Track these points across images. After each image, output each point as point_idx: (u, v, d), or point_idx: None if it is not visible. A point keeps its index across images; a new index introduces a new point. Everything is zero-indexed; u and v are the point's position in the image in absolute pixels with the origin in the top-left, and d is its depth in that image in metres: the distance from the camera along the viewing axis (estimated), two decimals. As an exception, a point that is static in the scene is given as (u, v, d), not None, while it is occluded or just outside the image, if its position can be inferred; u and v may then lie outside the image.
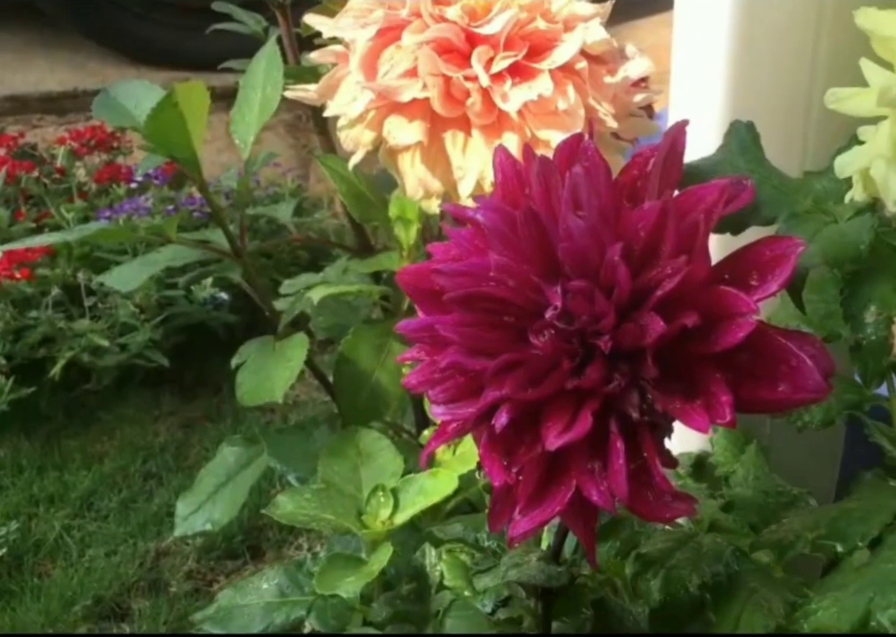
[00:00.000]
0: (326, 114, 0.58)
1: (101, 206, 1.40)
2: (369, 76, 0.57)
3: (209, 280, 1.23)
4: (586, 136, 0.38)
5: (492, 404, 0.35)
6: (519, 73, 0.55)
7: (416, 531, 0.62)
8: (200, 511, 0.75)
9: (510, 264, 0.36)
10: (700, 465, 0.56)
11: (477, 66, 0.53)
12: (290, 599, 0.61)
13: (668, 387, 0.34)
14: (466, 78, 0.54)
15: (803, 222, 0.37)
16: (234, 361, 0.69)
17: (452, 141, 0.56)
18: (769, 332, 0.35)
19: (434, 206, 0.60)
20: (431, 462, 0.61)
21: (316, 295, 0.64)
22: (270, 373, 0.65)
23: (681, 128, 0.38)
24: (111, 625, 0.96)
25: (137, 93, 0.67)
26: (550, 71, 0.55)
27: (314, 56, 0.60)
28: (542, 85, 0.54)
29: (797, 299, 0.36)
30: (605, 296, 0.34)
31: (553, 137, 0.54)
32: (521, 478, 0.36)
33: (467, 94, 0.54)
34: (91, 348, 1.17)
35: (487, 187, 0.56)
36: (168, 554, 1.05)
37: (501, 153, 0.40)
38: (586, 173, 0.36)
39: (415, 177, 0.58)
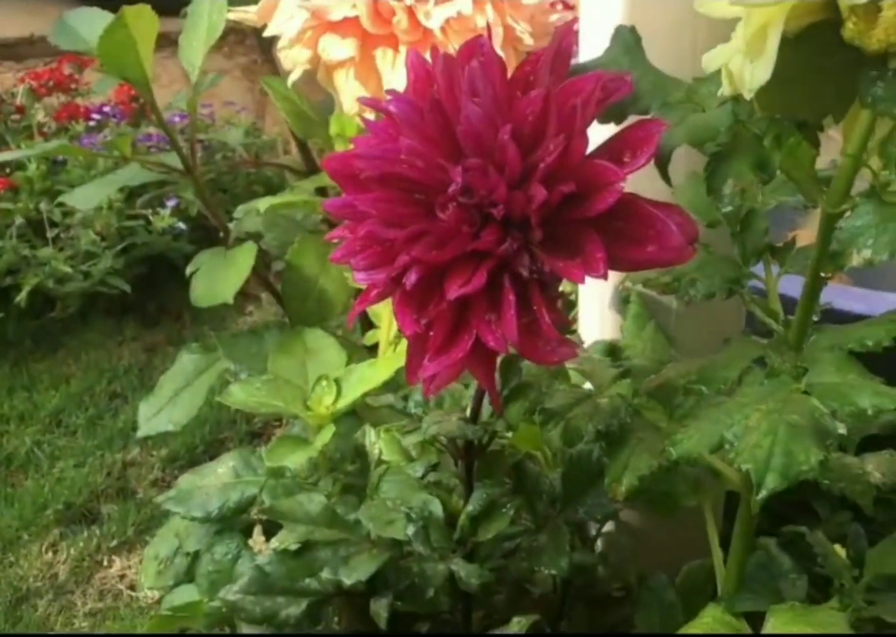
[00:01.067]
0: (266, 34, 0.63)
1: (61, 142, 1.43)
2: (303, -2, 0.62)
3: (167, 210, 1.27)
4: (484, 37, 0.44)
5: (403, 267, 0.41)
6: (442, -9, 0.61)
7: (359, 418, 0.68)
8: (162, 413, 0.81)
9: (418, 147, 0.41)
10: (611, 350, 0.62)
11: (402, -12, 0.59)
12: (244, 480, 0.67)
13: (553, 248, 0.40)
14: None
15: (673, 110, 0.43)
16: (188, 269, 0.74)
17: (382, 57, 0.61)
18: (640, 202, 0.41)
19: (371, 117, 0.65)
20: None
21: (262, 205, 0.69)
22: (221, 277, 0.70)
23: (567, 28, 0.44)
24: (82, 527, 1.02)
25: (92, 19, 0.71)
26: (469, -10, 0.60)
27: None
28: (461, 3, 0.59)
29: (664, 173, 0.42)
30: (498, 172, 0.40)
31: (474, 51, 0.60)
32: (430, 331, 0.42)
33: (394, 12, 0.59)
34: (55, 275, 1.22)
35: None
36: (134, 464, 1.11)
37: (413, 55, 0.45)
38: (482, 66, 0.41)
39: (350, 92, 0.63)
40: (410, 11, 0.59)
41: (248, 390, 0.65)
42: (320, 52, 0.61)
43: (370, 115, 0.64)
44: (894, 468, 0.47)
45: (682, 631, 0.51)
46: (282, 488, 0.65)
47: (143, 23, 0.65)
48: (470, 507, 0.53)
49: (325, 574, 0.55)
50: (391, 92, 0.43)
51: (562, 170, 0.40)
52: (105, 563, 0.99)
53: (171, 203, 1.27)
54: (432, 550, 0.52)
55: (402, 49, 0.60)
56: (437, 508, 0.54)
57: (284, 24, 0.62)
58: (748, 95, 0.41)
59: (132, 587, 0.95)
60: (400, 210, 0.42)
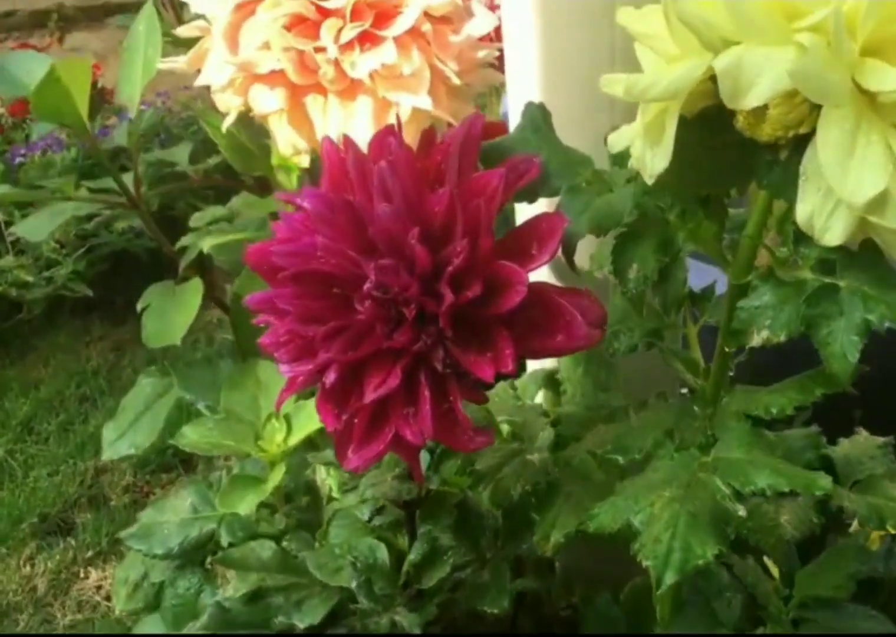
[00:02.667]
0: (196, 84, 0.64)
1: (18, 140, 1.43)
2: (232, 48, 0.62)
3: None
4: (395, 127, 0.45)
5: (323, 364, 0.43)
6: (368, 39, 0.61)
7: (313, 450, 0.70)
8: (124, 437, 0.83)
9: (332, 245, 0.43)
10: (550, 380, 0.64)
11: (326, 39, 0.59)
12: (202, 515, 0.69)
13: (465, 342, 0.42)
14: (317, 50, 0.60)
15: (579, 194, 0.44)
16: (138, 305, 0.75)
17: (313, 104, 0.62)
18: (549, 293, 0.42)
19: (305, 161, 0.66)
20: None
21: (206, 245, 0.70)
22: (170, 317, 0.72)
23: (476, 116, 0.45)
24: (58, 539, 1.05)
25: (28, 64, 0.71)
26: (395, 37, 0.60)
27: (180, 31, 0.65)
28: (386, 53, 0.60)
29: (570, 262, 0.44)
30: (409, 271, 0.42)
31: (402, 99, 0.60)
32: (353, 422, 0.43)
33: (319, 64, 0.60)
34: (18, 283, 1.23)
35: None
36: (106, 471, 1.13)
37: (327, 143, 0.46)
38: (391, 166, 0.42)
39: (284, 137, 0.64)
40: (337, 63, 0.60)
41: (200, 431, 0.67)
42: (250, 102, 0.62)
43: (305, 159, 0.66)
44: (805, 518, 0.49)
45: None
46: (238, 523, 0.67)
47: (77, 75, 0.65)
48: (412, 556, 0.55)
49: (280, 619, 0.57)
50: (306, 188, 0.45)
51: (469, 270, 0.41)
52: (82, 574, 1.02)
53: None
54: (376, 602, 0.54)
55: (331, 97, 0.61)
56: (382, 554, 0.57)
57: (214, 75, 0.62)
58: (650, 181, 0.42)
59: (108, 598, 0.98)
60: (317, 305, 0.43)
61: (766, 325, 0.42)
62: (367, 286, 0.42)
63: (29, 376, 1.26)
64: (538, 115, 0.47)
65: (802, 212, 0.39)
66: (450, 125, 0.66)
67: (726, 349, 0.45)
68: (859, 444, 0.54)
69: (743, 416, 0.45)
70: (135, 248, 1.34)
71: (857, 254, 0.43)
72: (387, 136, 0.45)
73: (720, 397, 0.48)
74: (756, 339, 0.43)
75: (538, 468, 0.51)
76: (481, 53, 0.64)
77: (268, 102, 0.61)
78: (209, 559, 0.64)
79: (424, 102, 0.60)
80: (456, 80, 0.62)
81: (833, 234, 0.39)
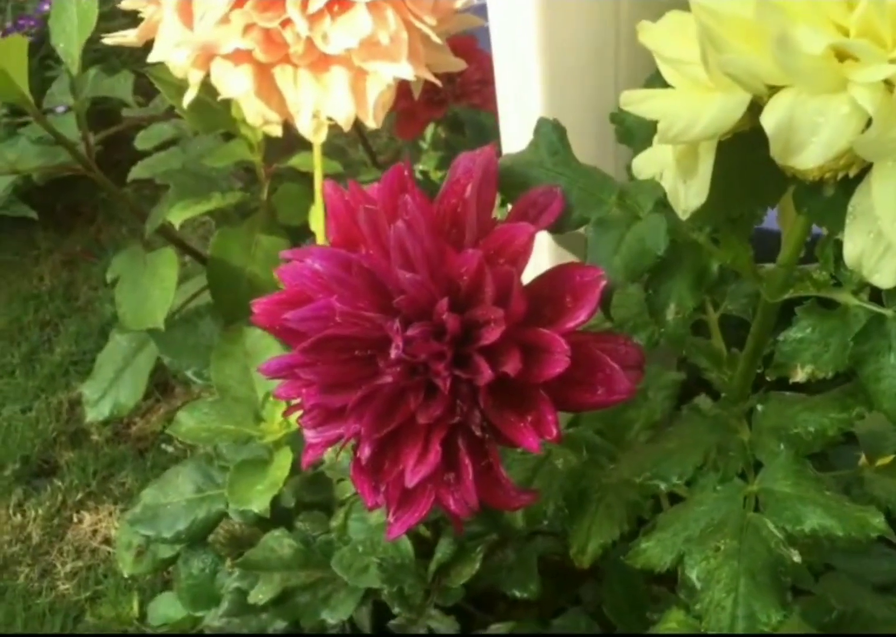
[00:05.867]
0: (150, 60, 0.58)
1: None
2: (186, 21, 0.57)
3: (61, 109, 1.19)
4: (405, 172, 0.41)
5: (354, 435, 0.41)
6: (336, 2, 0.56)
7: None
8: (107, 397, 0.80)
9: (351, 309, 0.40)
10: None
11: (293, 12, 0.54)
12: (208, 494, 0.68)
13: (503, 407, 0.40)
14: (283, 23, 0.54)
15: (609, 228, 0.41)
16: (108, 276, 0.71)
17: (282, 76, 0.57)
18: (588, 344, 0.40)
19: (276, 131, 0.61)
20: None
21: (175, 218, 0.66)
22: (146, 292, 0.68)
23: (489, 154, 0.42)
24: (44, 482, 1.03)
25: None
26: (367, 2, 0.55)
27: (124, 4, 0.59)
28: (360, 23, 0.54)
29: (606, 311, 0.41)
30: (438, 338, 0.39)
31: (380, 69, 0.56)
32: (389, 489, 0.42)
33: (289, 40, 0.54)
34: (-46, 207, 1.16)
35: (324, 120, 0.58)
36: (81, 403, 1.10)
37: (329, 188, 0.42)
38: (409, 227, 0.39)
39: (252, 109, 0.59)
40: (307, 38, 0.54)
41: (196, 416, 0.65)
42: (214, 82, 0.57)
43: (276, 129, 0.61)
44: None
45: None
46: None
47: (13, 54, 0.59)
48: (439, 555, 0.55)
49: (307, 619, 0.58)
50: (315, 250, 0.41)
51: (505, 339, 0.39)
52: (74, 518, 1.01)
53: (60, 109, 1.19)
54: (409, 610, 0.54)
55: (302, 70, 0.56)
56: (408, 551, 0.56)
57: (170, 51, 0.57)
58: (683, 216, 0.40)
59: (106, 541, 0.98)
60: (341, 370, 0.41)
61: (811, 360, 0.41)
62: (394, 352, 0.40)
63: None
64: (553, 135, 0.43)
65: (851, 252, 0.37)
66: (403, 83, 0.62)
67: (767, 378, 0.43)
68: (881, 418, 0.54)
69: (783, 438, 0.44)
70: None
71: (904, 277, 0.41)
72: (398, 185, 0.41)
73: (749, 399, 0.47)
74: (800, 375, 0.42)
75: (566, 474, 0.50)
76: (458, 3, 0.59)
77: (234, 82, 0.56)
78: (227, 564, 0.64)
79: (405, 71, 0.56)
80: (436, 39, 0.57)
81: (884, 277, 0.37)
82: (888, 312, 0.40)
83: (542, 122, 0.43)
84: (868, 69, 0.33)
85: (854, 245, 0.37)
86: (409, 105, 0.71)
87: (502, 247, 0.40)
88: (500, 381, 0.39)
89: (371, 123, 0.57)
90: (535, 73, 0.50)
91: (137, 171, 0.83)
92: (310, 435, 0.43)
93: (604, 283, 0.39)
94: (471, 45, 0.77)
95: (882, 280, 0.37)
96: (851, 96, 0.33)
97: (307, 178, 0.74)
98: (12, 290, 1.23)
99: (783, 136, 0.34)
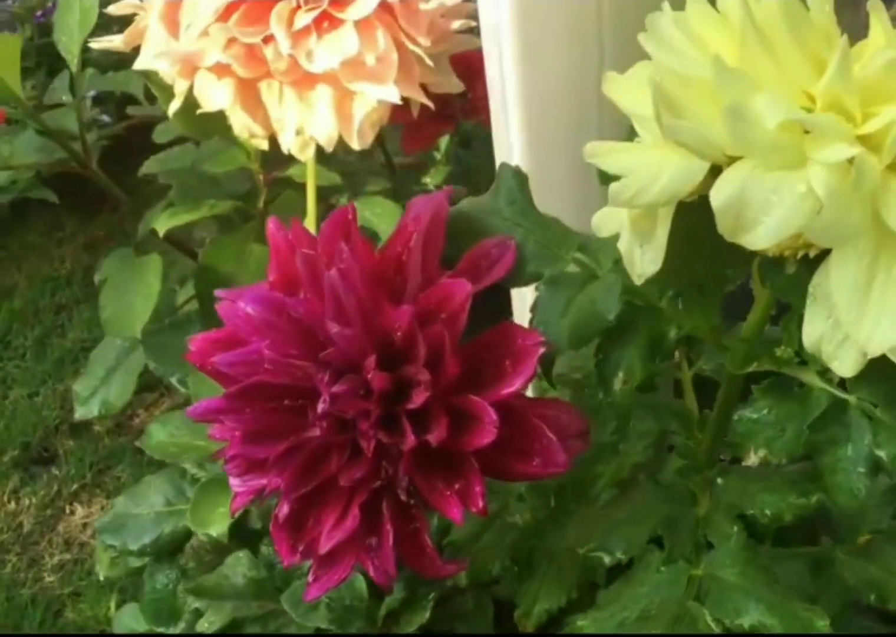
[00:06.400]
0: (136, 67, 0.57)
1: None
2: (171, 30, 0.55)
3: (88, 102, 1.19)
4: (349, 216, 0.39)
5: (274, 490, 0.39)
6: (325, 19, 0.53)
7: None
8: (96, 395, 0.79)
9: (280, 358, 0.38)
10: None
11: (277, 29, 0.52)
12: (177, 508, 0.67)
13: (431, 472, 0.38)
14: (266, 40, 0.52)
15: (560, 287, 0.39)
16: (96, 278, 0.70)
17: (268, 91, 0.55)
18: (525, 410, 0.38)
19: (263, 145, 0.60)
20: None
21: (161, 227, 0.64)
22: (129, 299, 0.67)
23: (439, 201, 0.39)
24: (41, 470, 1.03)
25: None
26: (356, 21, 0.53)
27: (112, 9, 0.57)
28: (346, 42, 0.52)
29: (548, 377, 0.39)
30: (366, 396, 0.37)
31: (367, 89, 0.53)
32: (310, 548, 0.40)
33: (273, 56, 0.52)
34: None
35: (308, 140, 0.56)
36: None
37: (272, 226, 0.40)
38: (343, 277, 0.37)
39: (238, 120, 0.57)
40: (293, 57, 0.52)
41: (168, 430, 0.64)
42: (196, 94, 0.55)
43: (263, 143, 0.59)
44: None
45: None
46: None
47: (4, 52, 0.58)
48: (388, 600, 0.53)
49: (256, 651, 0.56)
50: (249, 291, 0.39)
51: (433, 404, 0.37)
52: (67, 510, 1.01)
53: (90, 94, 1.19)
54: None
55: (286, 88, 0.54)
56: (360, 589, 0.54)
57: (154, 60, 0.55)
58: (638, 281, 0.37)
59: (95, 536, 0.97)
60: (268, 419, 0.39)
61: (764, 443, 0.38)
62: (321, 406, 0.38)
63: (2, 284, 1.22)
64: (513, 182, 0.41)
65: (810, 335, 0.35)
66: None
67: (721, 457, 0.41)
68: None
69: (738, 519, 0.41)
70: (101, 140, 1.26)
71: (872, 360, 0.38)
72: (341, 229, 0.39)
73: (714, 469, 0.45)
74: (753, 458, 0.39)
75: (520, 530, 0.48)
76: (455, 24, 0.57)
77: (215, 96, 0.55)
78: (180, 588, 0.62)
79: (391, 94, 0.53)
80: (428, 62, 0.55)
81: (843, 365, 0.34)
82: (851, 399, 0.37)
83: (503, 168, 0.41)
84: (828, 148, 0.30)
85: (813, 328, 0.35)
86: (414, 120, 0.68)
87: (442, 302, 0.37)
88: (427, 446, 0.37)
89: (355, 145, 0.55)
90: (514, 98, 0.47)
91: (149, 166, 0.82)
92: (234, 483, 0.41)
93: (541, 351, 0.36)
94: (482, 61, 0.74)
95: (841, 368, 0.34)
96: (808, 180, 0.31)
97: (311, 186, 0.72)
98: (32, 271, 1.23)
99: (733, 212, 0.31)
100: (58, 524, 1.00)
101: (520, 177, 0.41)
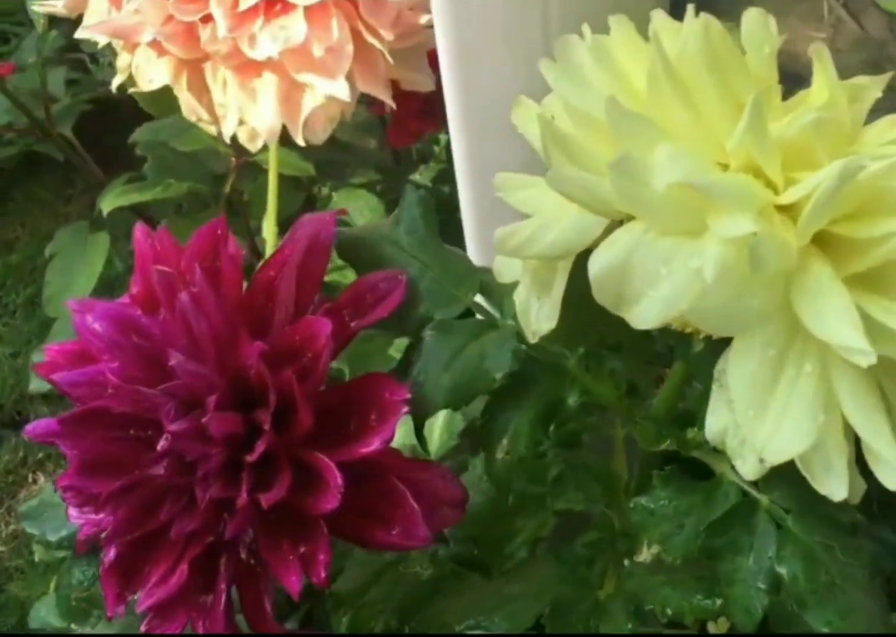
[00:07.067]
0: (78, 35, 0.53)
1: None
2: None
3: (107, 59, 1.15)
4: (219, 231, 0.35)
5: (103, 530, 0.35)
6: (278, 2, 0.49)
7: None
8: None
9: (124, 384, 0.34)
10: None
11: (216, 8, 0.47)
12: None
13: (277, 530, 0.33)
14: (205, 20, 0.48)
15: (449, 336, 0.34)
16: (47, 251, 0.67)
17: (213, 75, 0.51)
18: (388, 472, 0.33)
19: (212, 130, 0.55)
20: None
21: (107, 206, 0.60)
22: (73, 280, 0.63)
23: (322, 223, 0.35)
24: (10, 433, 1.00)
25: None
26: (307, 7, 0.48)
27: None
28: (292, 30, 0.47)
29: (419, 436, 0.34)
30: (207, 439, 0.33)
31: (315, 82, 0.49)
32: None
33: (206, 40, 0.48)
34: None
35: (251, 132, 0.51)
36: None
37: (139, 233, 0.36)
38: (193, 301, 0.32)
39: (184, 102, 0.53)
40: (234, 41, 0.47)
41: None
42: (134, 71, 0.51)
43: (211, 129, 0.55)
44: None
45: None
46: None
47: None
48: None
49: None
50: (99, 305, 0.35)
51: (277, 458, 0.32)
52: (30, 478, 0.98)
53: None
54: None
55: (228, 73, 0.50)
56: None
57: (94, 29, 0.51)
58: (532, 339, 0.32)
59: (52, 510, 0.94)
60: (108, 449, 0.35)
61: (659, 539, 0.33)
62: (162, 444, 0.33)
63: (3, 236, 1.19)
64: (416, 209, 0.36)
65: (713, 425, 0.30)
66: (396, 88, 0.55)
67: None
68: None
69: (635, 613, 0.36)
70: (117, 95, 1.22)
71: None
72: (209, 245, 0.34)
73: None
74: (645, 554, 0.34)
75: (416, 586, 0.43)
76: (424, 19, 0.52)
77: (153, 73, 0.50)
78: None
79: (340, 90, 0.49)
80: (388, 58, 0.50)
81: (746, 467, 0.29)
82: (763, 500, 0.32)
83: (408, 192, 0.36)
84: (728, 219, 0.25)
85: (717, 418, 0.30)
86: (400, 114, 0.64)
87: (306, 341, 0.33)
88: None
89: (299, 140, 0.51)
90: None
91: (139, 134, 0.78)
92: (72, 513, 0.37)
93: (404, 410, 0.32)
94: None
95: (744, 468, 0.29)
96: (697, 266, 0.25)
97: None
98: (35, 226, 1.21)
99: (613, 281, 0.26)
100: (20, 492, 0.98)
101: (425, 203, 0.36)
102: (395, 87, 0.55)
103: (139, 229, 0.36)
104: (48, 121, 0.65)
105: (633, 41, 0.30)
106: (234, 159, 0.67)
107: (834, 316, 0.25)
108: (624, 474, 0.43)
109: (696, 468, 0.34)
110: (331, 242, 0.34)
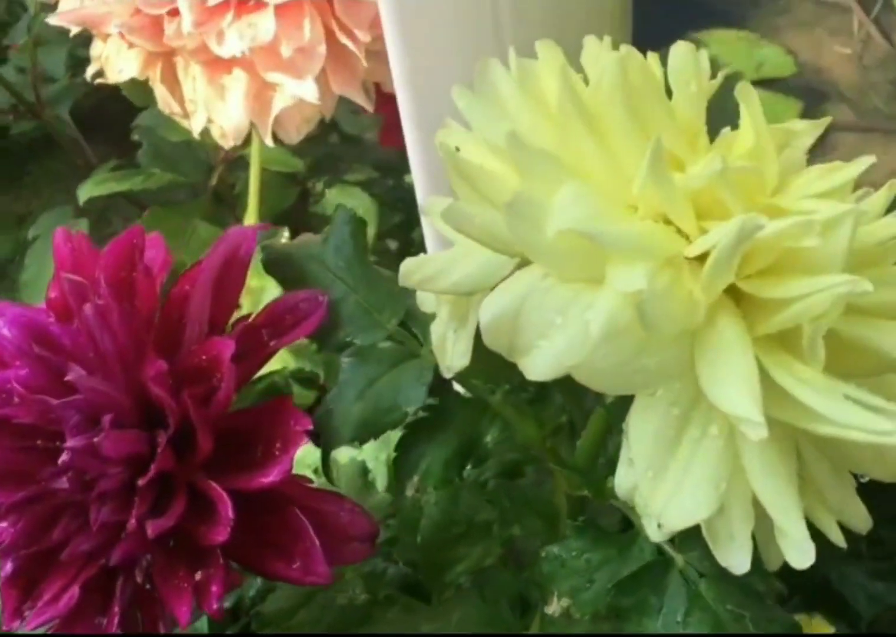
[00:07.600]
0: (51, 21, 0.51)
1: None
2: (88, -16, 0.50)
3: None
4: (135, 241, 0.33)
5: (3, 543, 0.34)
6: (249, -1, 0.47)
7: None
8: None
9: (29, 394, 0.33)
10: (363, 472, 0.53)
11: (182, 3, 0.46)
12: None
13: (174, 555, 0.32)
14: (172, 14, 0.46)
15: (365, 364, 0.32)
16: (30, 233, 0.66)
17: (184, 69, 0.49)
18: (290, 502, 0.32)
19: (187, 125, 0.54)
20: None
21: (84, 195, 0.59)
22: (50, 268, 0.62)
23: (242, 236, 0.33)
24: None
25: None
26: (279, 5, 0.46)
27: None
28: (261, 28, 0.46)
29: (326, 472, 0.33)
30: (101, 461, 0.31)
31: (284, 82, 0.48)
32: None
33: (171, 34, 0.47)
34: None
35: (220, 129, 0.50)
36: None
37: (59, 237, 0.35)
38: (97, 315, 0.31)
39: (158, 94, 0.52)
40: (202, 37, 0.46)
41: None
42: (102, 62, 0.50)
43: (186, 123, 0.54)
44: None
45: None
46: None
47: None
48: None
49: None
50: (13, 306, 0.34)
51: (176, 482, 0.31)
52: None
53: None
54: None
55: (197, 68, 0.48)
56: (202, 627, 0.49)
57: (64, 17, 0.50)
58: (447, 374, 0.31)
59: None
60: (13, 459, 0.34)
61: (568, 593, 0.31)
62: (63, 458, 0.32)
63: (15, 208, 1.19)
64: (345, 228, 0.34)
65: (622, 479, 0.28)
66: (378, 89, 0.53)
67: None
68: None
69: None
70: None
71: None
72: (126, 255, 0.33)
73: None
74: (555, 606, 0.33)
75: (346, 612, 0.42)
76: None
77: (123, 64, 0.49)
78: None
79: (308, 92, 0.47)
80: (363, 62, 0.48)
81: (650, 529, 0.27)
82: (678, 560, 0.30)
83: (339, 211, 0.35)
84: (624, 270, 0.24)
85: (626, 473, 0.28)
86: (389, 116, 0.62)
87: (212, 361, 0.31)
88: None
89: (268, 141, 0.49)
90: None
91: (143, 118, 0.77)
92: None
93: (302, 442, 0.30)
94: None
95: (648, 530, 0.27)
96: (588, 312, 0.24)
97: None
98: (49, 200, 1.20)
99: (504, 328, 0.25)
100: None
101: (355, 223, 0.34)
102: (380, 90, 0.53)
103: (60, 232, 0.35)
104: (38, 102, 0.64)
105: (559, 68, 0.28)
106: (222, 153, 0.66)
107: (731, 382, 0.23)
108: (562, 508, 0.41)
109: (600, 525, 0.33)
110: (249, 258, 0.33)
